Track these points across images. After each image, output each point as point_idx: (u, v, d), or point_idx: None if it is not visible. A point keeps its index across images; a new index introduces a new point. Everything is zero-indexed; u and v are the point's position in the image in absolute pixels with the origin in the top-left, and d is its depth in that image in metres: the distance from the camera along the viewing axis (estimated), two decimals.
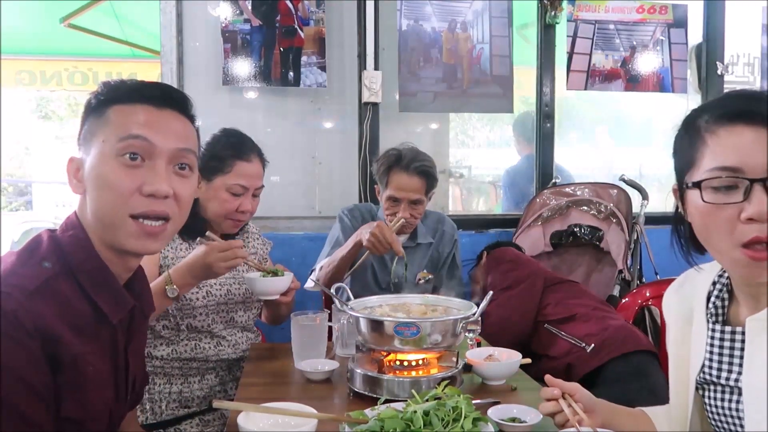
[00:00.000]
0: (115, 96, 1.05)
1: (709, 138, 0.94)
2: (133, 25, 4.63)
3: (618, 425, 1.20)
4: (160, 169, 1.03)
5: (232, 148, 1.81)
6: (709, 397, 1.05)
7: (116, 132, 1.02)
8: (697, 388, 1.07)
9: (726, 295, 1.06)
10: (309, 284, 2.19)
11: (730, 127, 0.92)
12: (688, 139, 0.99)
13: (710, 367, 1.04)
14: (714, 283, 1.09)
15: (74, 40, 4.68)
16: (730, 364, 1.01)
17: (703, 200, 0.93)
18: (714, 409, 1.04)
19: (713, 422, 1.05)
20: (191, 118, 1.12)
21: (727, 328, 1.02)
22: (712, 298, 1.08)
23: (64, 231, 1.04)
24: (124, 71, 5.30)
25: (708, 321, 1.06)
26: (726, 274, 1.07)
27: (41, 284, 0.94)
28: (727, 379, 1.01)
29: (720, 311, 1.06)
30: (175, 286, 1.59)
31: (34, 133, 11.28)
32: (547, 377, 1.22)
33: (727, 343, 1.02)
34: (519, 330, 2.19)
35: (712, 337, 1.05)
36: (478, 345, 1.76)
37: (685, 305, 1.13)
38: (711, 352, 1.04)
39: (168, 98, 1.08)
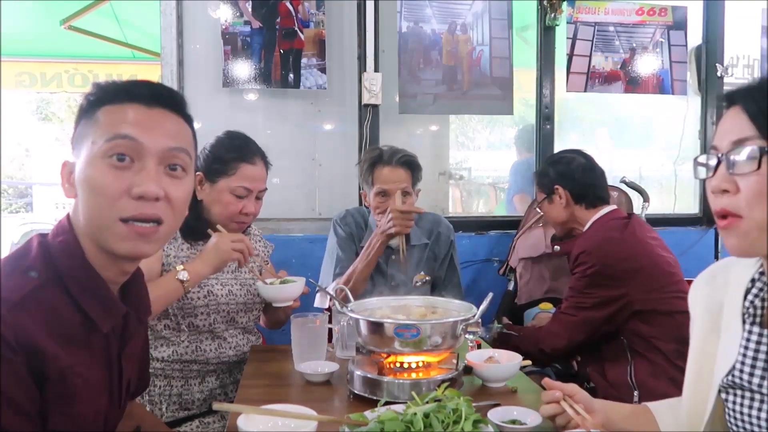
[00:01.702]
0: (104, 96, 1.02)
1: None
2: (134, 27, 4.63)
3: (618, 422, 1.19)
4: (149, 169, 0.99)
5: (236, 151, 1.81)
6: (734, 402, 1.00)
7: (104, 132, 0.98)
8: (720, 390, 1.02)
9: (767, 295, 1.01)
10: (319, 302, 2.21)
11: (725, 111, 0.99)
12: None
13: (741, 371, 0.99)
14: (753, 281, 1.04)
15: (74, 42, 4.69)
16: (765, 369, 0.96)
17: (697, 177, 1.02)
18: (738, 415, 0.99)
19: (734, 427, 1.00)
20: (186, 118, 1.08)
21: (765, 332, 0.98)
22: (750, 297, 1.03)
23: (55, 236, 1.01)
24: (125, 73, 5.31)
25: (744, 321, 1.01)
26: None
27: (26, 295, 0.91)
28: (760, 385, 0.96)
29: (759, 312, 1.00)
30: (183, 267, 1.61)
31: (35, 135, 11.30)
32: (546, 380, 1.23)
33: (764, 347, 0.97)
34: (565, 353, 2.05)
35: (748, 340, 1.00)
36: (479, 347, 1.75)
37: (715, 298, 1.09)
38: (744, 355, 0.99)
39: (158, 96, 1.03)
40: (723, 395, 1.02)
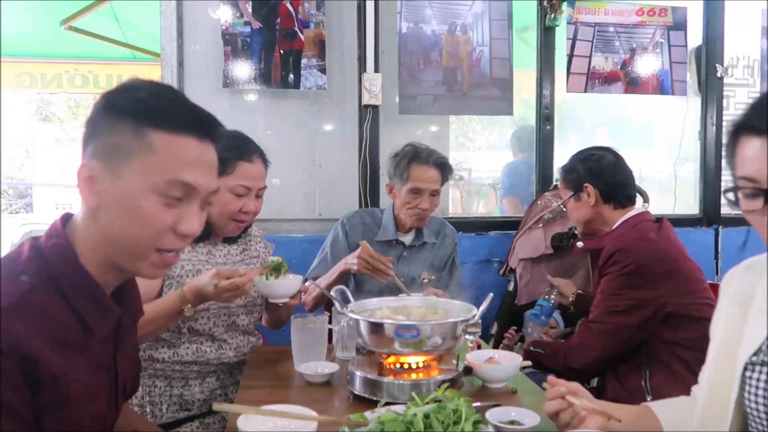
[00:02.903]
0: (158, 119, 0.97)
1: (736, 146, 0.97)
2: (134, 27, 4.64)
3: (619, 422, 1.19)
4: (195, 210, 1.01)
5: (233, 150, 1.80)
6: (758, 380, 1.00)
7: (163, 170, 0.96)
8: (746, 368, 1.02)
9: None
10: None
11: (747, 137, 0.94)
12: (729, 141, 1.01)
13: None
14: None
15: (75, 42, 4.69)
16: None
17: (738, 206, 0.97)
18: (761, 391, 0.99)
19: (754, 405, 1.01)
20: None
21: None
22: None
23: (48, 239, 1.00)
24: (125, 74, 5.31)
25: None
26: None
27: (17, 300, 0.90)
28: None
29: None
30: (190, 306, 1.62)
31: (35, 136, 11.30)
32: (551, 378, 1.22)
33: None
34: (598, 367, 1.94)
35: None
36: (479, 347, 1.75)
37: (748, 288, 1.08)
38: None
39: (208, 129, 1.02)
40: (747, 373, 1.02)
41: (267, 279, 1.75)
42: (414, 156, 2.23)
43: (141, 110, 0.97)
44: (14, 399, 0.88)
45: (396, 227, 2.31)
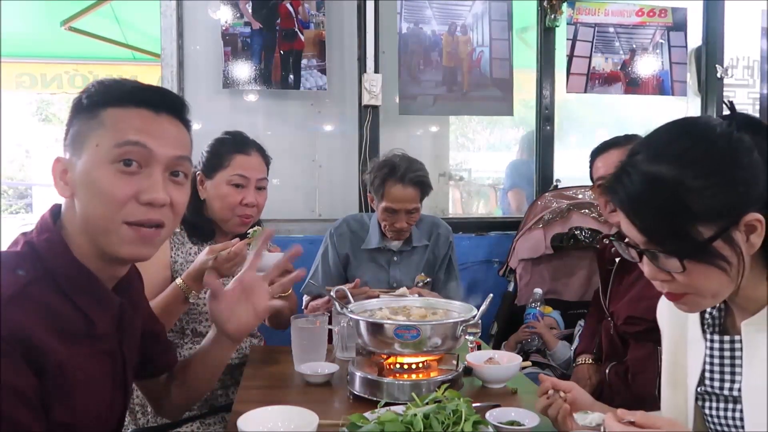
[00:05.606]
0: (109, 98, 1.01)
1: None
2: (134, 28, 4.64)
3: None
4: (157, 176, 1.01)
5: (230, 144, 1.84)
6: (710, 408, 1.04)
7: (112, 137, 0.98)
8: (697, 399, 1.06)
9: (722, 305, 1.05)
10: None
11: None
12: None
13: (711, 379, 1.03)
14: None
15: (75, 43, 4.69)
16: (732, 374, 1.01)
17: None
18: (716, 420, 1.03)
19: None
20: (186, 123, 1.09)
21: (726, 338, 1.02)
22: (708, 308, 1.07)
23: (39, 233, 1.01)
24: (125, 74, 5.30)
25: (705, 332, 1.06)
26: None
27: (16, 291, 0.91)
28: (730, 389, 1.00)
29: (717, 321, 1.05)
30: (194, 292, 1.62)
31: (35, 136, 11.29)
32: (541, 376, 1.25)
33: (727, 353, 1.02)
34: None
35: (711, 348, 1.04)
36: (479, 348, 1.75)
37: (680, 314, 1.11)
38: (711, 364, 1.04)
39: (165, 102, 1.04)
40: (700, 403, 1.06)
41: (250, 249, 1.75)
42: (389, 174, 2.15)
43: (94, 94, 1.01)
44: (22, 383, 0.89)
45: (382, 234, 2.29)
